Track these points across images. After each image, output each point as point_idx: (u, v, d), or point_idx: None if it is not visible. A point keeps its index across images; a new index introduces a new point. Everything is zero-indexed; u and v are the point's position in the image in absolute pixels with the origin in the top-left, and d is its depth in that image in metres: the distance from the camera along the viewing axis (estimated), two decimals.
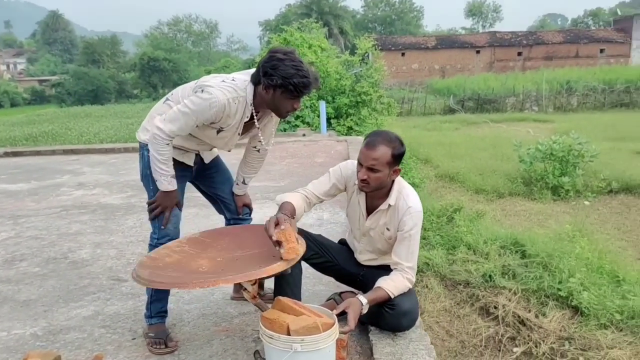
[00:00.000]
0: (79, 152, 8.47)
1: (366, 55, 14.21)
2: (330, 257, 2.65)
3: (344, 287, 2.84)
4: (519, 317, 4.02)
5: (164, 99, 2.59)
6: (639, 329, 3.90)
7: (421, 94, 29.40)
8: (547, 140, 10.95)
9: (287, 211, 2.35)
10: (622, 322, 4.02)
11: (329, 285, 3.02)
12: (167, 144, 2.35)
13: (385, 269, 2.53)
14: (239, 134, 2.52)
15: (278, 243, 2.10)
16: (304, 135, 10.00)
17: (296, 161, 7.31)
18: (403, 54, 39.29)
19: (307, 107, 12.74)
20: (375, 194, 2.45)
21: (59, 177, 6.97)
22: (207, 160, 2.75)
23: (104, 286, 3.32)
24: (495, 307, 4.01)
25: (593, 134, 12.85)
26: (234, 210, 2.82)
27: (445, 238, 4.93)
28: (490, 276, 4.35)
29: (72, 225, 4.67)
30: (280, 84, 2.27)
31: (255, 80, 2.36)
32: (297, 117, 12.67)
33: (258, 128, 2.52)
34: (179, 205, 2.56)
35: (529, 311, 4.58)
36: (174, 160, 2.47)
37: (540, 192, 10.24)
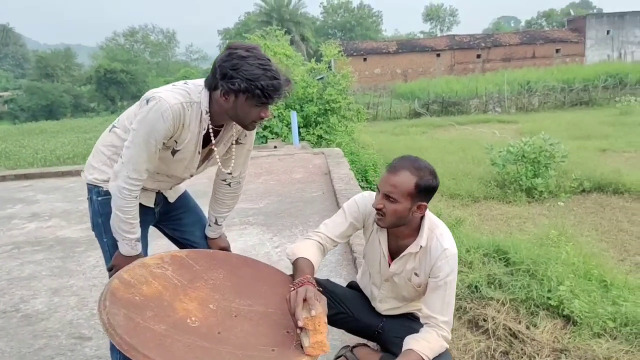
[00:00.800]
0: (32, 177, 7.77)
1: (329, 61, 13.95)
2: (344, 308, 2.22)
3: (355, 339, 2.41)
4: (509, 329, 3.87)
5: (110, 126, 2.13)
6: (634, 337, 3.77)
7: (386, 98, 29.40)
8: (517, 142, 10.96)
9: (309, 273, 1.91)
10: (615, 330, 3.90)
11: (337, 334, 2.53)
12: (135, 197, 1.94)
13: (409, 318, 2.18)
14: (198, 152, 2.04)
15: (301, 328, 1.65)
16: (275, 147, 9.59)
17: (273, 178, 6.86)
18: (365, 59, 39.36)
19: (275, 116, 12.37)
20: (399, 232, 2.04)
21: (9, 207, 6.27)
22: (171, 199, 2.30)
23: (64, 347, 2.82)
24: (485, 320, 3.84)
25: (558, 134, 12.95)
26: None
27: None
28: (476, 287, 4.19)
29: (25, 267, 4.06)
30: (245, 88, 1.79)
31: (211, 84, 1.88)
32: (265, 128, 12.28)
33: (214, 146, 2.04)
34: None
35: (520, 322, 4.40)
36: None
37: (514, 194, 10.22)
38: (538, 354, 3.57)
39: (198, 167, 2.12)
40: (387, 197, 1.91)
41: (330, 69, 14.04)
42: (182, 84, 1.95)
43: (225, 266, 1.89)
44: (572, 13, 52.99)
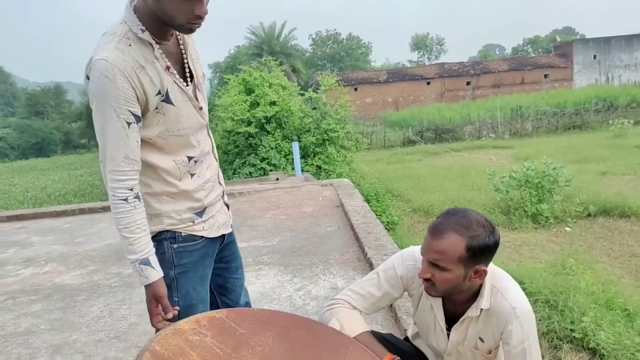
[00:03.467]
0: (26, 218, 7.42)
1: (318, 91, 13.91)
2: None
3: None
4: None
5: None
6: None
7: (380, 127, 29.44)
8: (520, 167, 10.85)
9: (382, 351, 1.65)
10: None
11: None
12: (124, 200, 1.54)
13: None
14: (185, 84, 1.65)
15: None
16: (277, 179, 9.35)
17: (282, 212, 6.53)
18: (356, 89, 39.61)
19: (272, 148, 12.20)
20: (456, 295, 1.69)
21: (2, 252, 5.85)
22: (231, 229, 1.93)
23: None
24: None
25: (555, 158, 12.84)
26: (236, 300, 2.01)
27: None
28: None
29: (21, 321, 3.67)
30: None
31: None
32: (263, 160, 12.10)
33: (181, 46, 1.65)
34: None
35: (543, 357, 4.17)
36: (184, 235, 1.71)
37: (520, 220, 10.05)
38: None
39: (198, 98, 1.72)
40: (434, 265, 1.58)
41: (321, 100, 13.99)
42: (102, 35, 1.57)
43: (273, 328, 1.59)
44: (558, 39, 54.03)
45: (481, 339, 1.70)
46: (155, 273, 1.59)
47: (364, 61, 61.94)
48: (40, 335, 3.32)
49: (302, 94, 13.66)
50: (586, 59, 41.56)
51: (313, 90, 13.51)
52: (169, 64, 1.61)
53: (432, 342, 1.81)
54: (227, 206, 1.93)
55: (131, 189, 1.56)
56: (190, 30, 1.57)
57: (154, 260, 1.60)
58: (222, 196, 1.89)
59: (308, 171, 11.93)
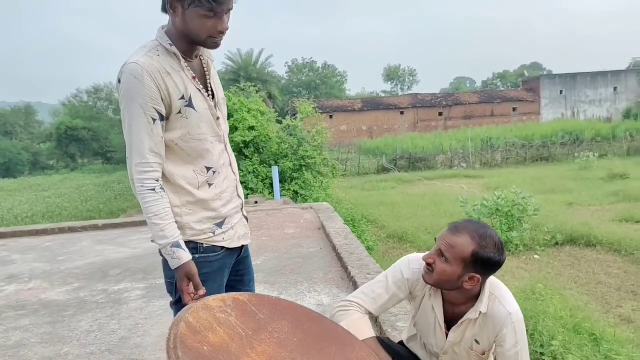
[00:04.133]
0: (5, 236, 7.31)
1: (295, 118, 14.12)
2: None
3: None
4: None
5: None
6: None
7: (354, 154, 29.81)
8: (491, 196, 11.17)
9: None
10: None
11: None
12: (152, 190, 1.70)
13: None
14: (208, 95, 1.85)
15: None
16: (256, 202, 9.46)
17: (264, 233, 6.59)
18: (331, 117, 40.11)
19: (250, 172, 12.30)
20: (455, 298, 1.86)
21: None
22: (249, 239, 2.07)
23: None
24: None
25: (524, 188, 13.26)
26: None
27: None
28: None
29: (11, 334, 3.66)
30: None
31: (163, 4, 1.71)
32: (241, 183, 12.16)
33: (205, 69, 1.86)
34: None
35: None
36: (207, 247, 1.84)
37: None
38: None
39: (217, 108, 1.90)
40: (441, 253, 1.76)
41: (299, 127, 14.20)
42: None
43: (289, 317, 1.74)
44: (527, 74, 55.90)
45: (477, 341, 1.85)
46: (186, 254, 1.73)
47: (339, 90, 62.78)
48: (32, 348, 3.34)
49: (280, 121, 13.87)
50: (553, 93, 43.11)
51: (291, 117, 13.73)
52: (194, 74, 1.81)
53: (431, 341, 1.96)
54: (246, 219, 2.06)
55: (157, 180, 1.72)
56: (215, 45, 1.77)
57: (183, 243, 1.74)
58: (242, 209, 2.02)
59: (285, 196, 12.06)
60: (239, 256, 2.03)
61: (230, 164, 1.97)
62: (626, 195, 14.36)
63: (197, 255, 1.82)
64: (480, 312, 1.81)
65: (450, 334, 1.89)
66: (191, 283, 1.75)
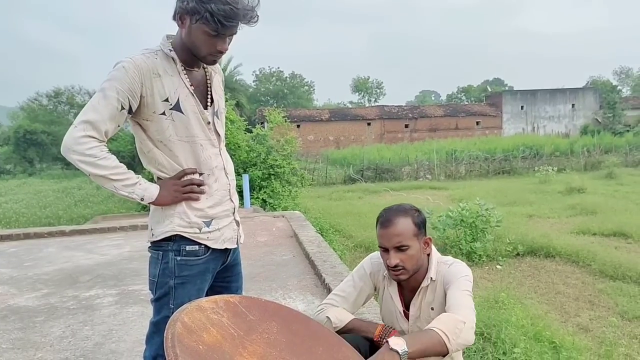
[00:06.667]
0: None
1: (263, 126, 14.17)
2: None
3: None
4: None
5: None
6: None
7: (321, 164, 29.94)
8: (456, 207, 11.42)
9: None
10: None
11: None
12: (95, 147, 1.72)
13: None
14: (208, 103, 1.93)
15: None
16: None
17: None
18: (298, 126, 40.23)
19: None
20: (409, 279, 2.01)
21: None
22: (241, 239, 2.12)
23: None
24: None
25: (487, 200, 13.61)
26: None
27: None
28: None
29: None
30: (193, 9, 1.69)
31: (174, 13, 1.79)
32: None
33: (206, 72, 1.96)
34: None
35: None
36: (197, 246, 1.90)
37: (455, 258, 10.52)
38: None
39: (213, 120, 1.96)
40: (398, 249, 1.91)
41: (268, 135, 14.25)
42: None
43: (277, 319, 1.81)
44: (489, 89, 57.38)
45: (432, 309, 1.99)
46: (155, 186, 1.86)
47: (307, 99, 63.09)
48: (3, 354, 3.25)
49: (249, 130, 13.88)
50: (514, 109, 44.42)
51: (259, 125, 13.77)
52: (192, 82, 1.89)
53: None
54: (238, 223, 2.09)
55: (101, 142, 1.75)
56: (213, 62, 1.88)
57: (144, 181, 1.85)
58: (233, 213, 2.06)
59: (254, 204, 12.05)
60: (226, 262, 2.07)
61: (224, 168, 2.02)
62: (583, 208, 14.85)
63: (178, 258, 1.88)
64: (431, 278, 1.98)
65: (410, 308, 2.03)
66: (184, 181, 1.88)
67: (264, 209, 11.87)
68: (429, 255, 2.03)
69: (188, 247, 1.89)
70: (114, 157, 1.78)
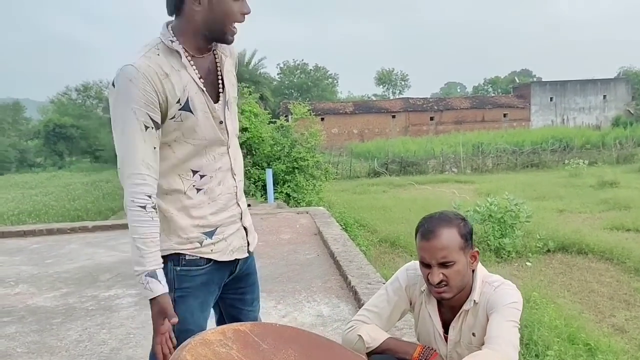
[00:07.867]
0: None
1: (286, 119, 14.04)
2: None
3: None
4: None
5: None
6: None
7: (345, 157, 29.76)
8: (484, 201, 11.15)
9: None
10: None
11: None
12: (143, 208, 1.55)
13: None
14: (219, 91, 1.73)
15: None
16: (249, 205, 9.32)
17: (259, 238, 6.09)
18: (323, 119, 40.00)
19: None
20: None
21: None
22: (251, 247, 1.90)
23: None
24: None
25: (515, 194, 13.28)
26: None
27: None
28: None
29: None
30: None
31: (174, 3, 1.63)
32: None
33: (218, 66, 1.73)
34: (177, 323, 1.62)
35: None
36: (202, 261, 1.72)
37: (483, 254, 10.28)
38: None
39: (224, 115, 1.74)
40: (442, 265, 1.70)
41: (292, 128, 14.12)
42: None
43: (295, 346, 1.62)
44: (517, 80, 56.21)
45: (474, 334, 1.79)
46: (161, 287, 1.58)
47: (331, 92, 62.78)
48: (17, 359, 3.19)
49: (273, 122, 13.77)
50: (543, 100, 43.41)
51: (283, 118, 13.66)
52: (199, 73, 1.68)
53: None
54: (246, 230, 1.89)
55: (149, 196, 1.56)
56: (232, 40, 1.69)
57: (161, 274, 1.59)
58: (241, 218, 1.86)
59: (277, 198, 11.94)
60: (235, 272, 1.88)
61: (231, 169, 1.81)
62: (616, 203, 14.41)
63: (178, 268, 1.70)
64: (474, 301, 1.77)
65: (450, 332, 1.84)
66: (166, 320, 1.60)
67: (288, 204, 11.76)
68: (473, 271, 1.81)
69: (188, 256, 1.72)
70: (156, 223, 1.59)
